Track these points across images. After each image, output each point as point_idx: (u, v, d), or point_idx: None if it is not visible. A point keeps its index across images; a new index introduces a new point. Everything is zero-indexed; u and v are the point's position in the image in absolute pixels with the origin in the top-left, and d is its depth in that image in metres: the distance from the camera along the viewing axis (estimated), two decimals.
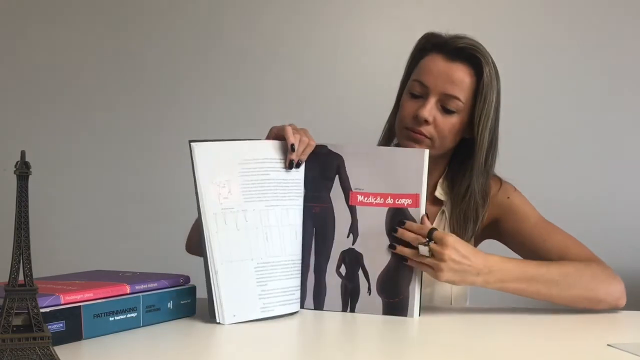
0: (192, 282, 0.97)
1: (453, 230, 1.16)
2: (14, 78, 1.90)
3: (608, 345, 0.81)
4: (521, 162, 1.85)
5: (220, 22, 1.87)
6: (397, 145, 1.19)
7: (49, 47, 1.88)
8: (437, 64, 1.10)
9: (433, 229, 0.95)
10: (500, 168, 1.81)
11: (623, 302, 1.05)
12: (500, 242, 1.20)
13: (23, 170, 0.63)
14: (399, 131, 1.15)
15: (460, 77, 1.09)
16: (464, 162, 1.15)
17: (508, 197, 1.18)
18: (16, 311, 0.63)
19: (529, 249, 1.13)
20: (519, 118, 1.84)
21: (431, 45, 1.14)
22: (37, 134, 1.89)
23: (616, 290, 1.04)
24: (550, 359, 0.78)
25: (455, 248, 0.93)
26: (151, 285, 0.89)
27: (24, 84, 1.89)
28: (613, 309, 1.05)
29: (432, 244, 0.93)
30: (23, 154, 0.64)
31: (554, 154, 1.85)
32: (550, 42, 1.84)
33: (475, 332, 0.92)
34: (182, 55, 1.87)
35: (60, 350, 0.69)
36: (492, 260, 0.97)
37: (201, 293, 0.98)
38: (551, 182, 1.84)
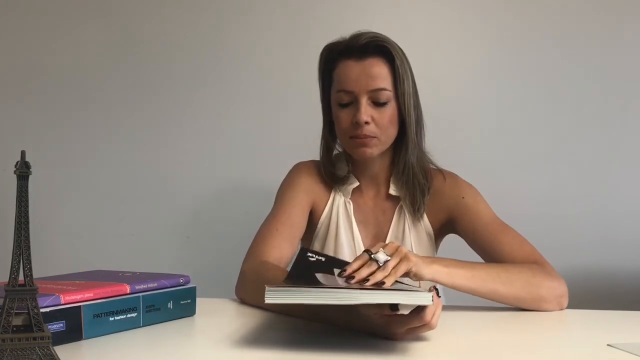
0: (192, 282, 0.97)
1: (410, 206, 1.22)
2: (14, 78, 1.90)
3: (608, 345, 0.81)
4: (520, 162, 1.85)
5: (220, 22, 1.87)
6: (345, 155, 1.25)
7: (49, 47, 1.88)
8: (351, 69, 1.15)
9: (366, 250, 0.89)
10: (500, 167, 1.81)
11: (565, 302, 1.06)
12: (461, 237, 1.24)
13: (23, 170, 0.63)
14: (345, 143, 1.21)
15: (377, 69, 1.14)
16: (399, 145, 1.21)
17: (463, 197, 1.22)
18: (16, 311, 0.63)
19: (481, 247, 1.17)
20: (518, 118, 1.85)
21: (336, 54, 1.19)
22: (37, 134, 1.89)
23: (558, 288, 1.05)
24: (550, 358, 0.78)
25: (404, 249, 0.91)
26: (151, 285, 0.89)
27: (24, 84, 1.89)
28: (558, 309, 1.05)
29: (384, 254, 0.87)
30: (23, 154, 0.64)
31: (553, 155, 1.84)
32: (549, 43, 1.84)
33: (473, 331, 0.92)
34: (182, 56, 1.87)
35: (60, 350, 0.69)
36: (435, 259, 0.99)
37: (201, 293, 0.99)
38: (550, 183, 1.84)
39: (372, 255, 0.87)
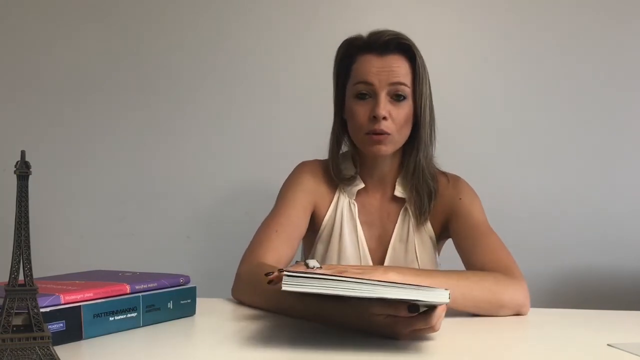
0: (192, 282, 0.97)
1: (415, 211, 1.21)
2: (14, 78, 1.90)
3: (608, 345, 0.81)
4: (520, 162, 1.85)
5: (220, 22, 1.87)
6: (352, 154, 1.24)
7: (49, 47, 1.88)
8: (372, 62, 1.15)
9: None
10: (499, 167, 1.81)
11: (527, 309, 1.02)
12: (451, 237, 1.22)
13: (23, 170, 0.63)
14: (358, 139, 1.19)
15: (398, 65, 1.14)
16: (409, 146, 1.21)
17: (460, 198, 1.21)
18: (16, 311, 0.63)
19: (462, 248, 1.15)
20: (518, 118, 1.85)
21: (356, 49, 1.18)
22: (37, 134, 1.89)
23: (519, 297, 1.01)
24: (550, 358, 0.78)
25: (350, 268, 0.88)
26: (151, 285, 0.89)
27: (24, 84, 1.89)
28: (517, 314, 1.02)
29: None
30: (23, 154, 0.64)
31: (553, 155, 1.84)
32: (549, 42, 1.84)
33: (473, 332, 0.92)
34: (182, 56, 1.87)
35: (60, 350, 0.69)
36: (390, 268, 0.96)
37: (201, 293, 0.99)
38: (550, 182, 1.84)
39: (305, 261, 0.86)
